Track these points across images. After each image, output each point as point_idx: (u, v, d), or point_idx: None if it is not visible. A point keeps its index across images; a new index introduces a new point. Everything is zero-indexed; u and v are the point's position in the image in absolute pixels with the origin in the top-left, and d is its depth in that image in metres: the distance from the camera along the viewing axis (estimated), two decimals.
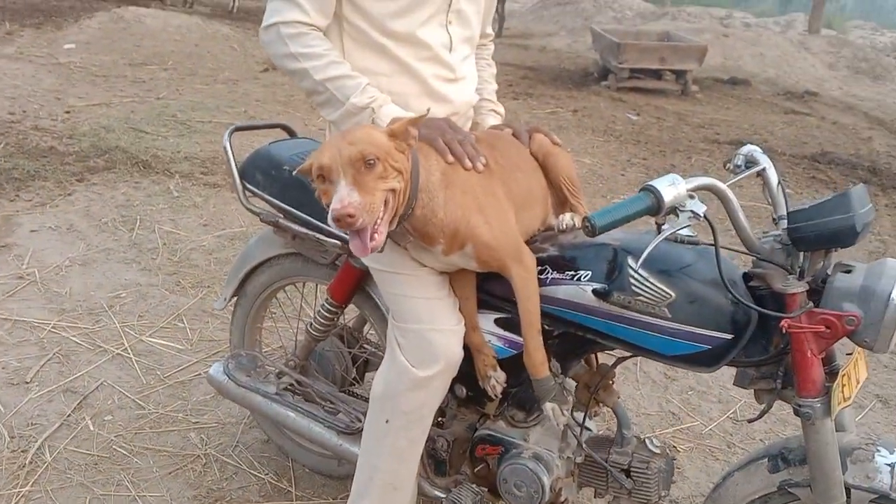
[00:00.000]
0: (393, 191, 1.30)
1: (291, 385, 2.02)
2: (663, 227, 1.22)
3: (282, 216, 1.94)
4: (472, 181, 1.46)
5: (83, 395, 2.47)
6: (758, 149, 1.50)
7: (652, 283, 1.39)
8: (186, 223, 3.89)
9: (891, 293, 1.17)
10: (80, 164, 4.55)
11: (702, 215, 1.19)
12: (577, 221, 1.56)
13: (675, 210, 1.20)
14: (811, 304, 1.27)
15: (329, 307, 1.94)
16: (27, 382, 2.50)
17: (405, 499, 1.68)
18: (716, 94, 10.13)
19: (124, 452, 2.23)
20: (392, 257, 1.55)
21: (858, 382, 1.33)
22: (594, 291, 1.45)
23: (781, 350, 1.34)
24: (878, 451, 1.30)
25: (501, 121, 1.87)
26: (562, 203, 1.66)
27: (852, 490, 1.32)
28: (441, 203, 1.41)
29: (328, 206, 1.26)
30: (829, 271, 1.30)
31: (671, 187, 1.19)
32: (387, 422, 1.61)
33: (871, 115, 10.20)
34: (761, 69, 13.05)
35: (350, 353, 2.10)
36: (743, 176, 1.39)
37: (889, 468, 1.29)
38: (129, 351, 2.74)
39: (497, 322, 1.62)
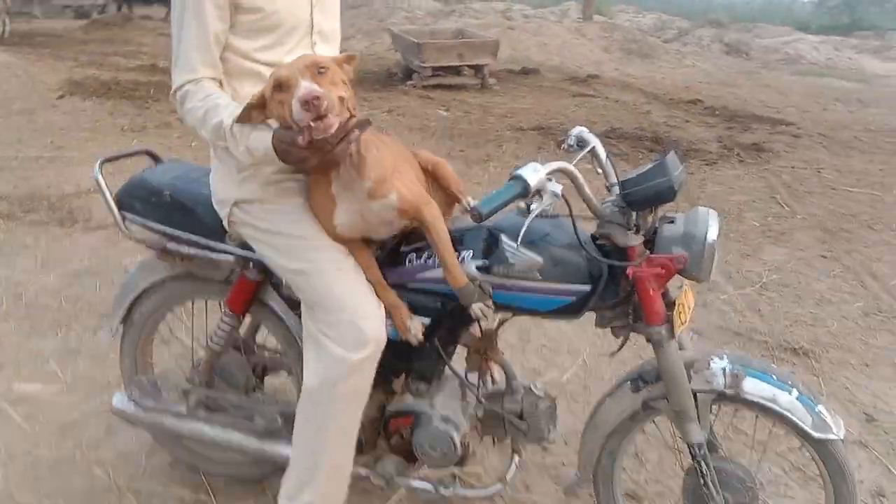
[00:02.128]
0: (342, 99, 1.52)
1: (201, 401, 2.11)
2: (531, 206, 1.53)
3: (168, 241, 2.03)
4: (393, 148, 1.76)
5: None
6: (585, 129, 1.87)
7: (524, 254, 1.69)
8: (23, 265, 3.71)
9: (706, 235, 1.57)
10: None
11: (560, 195, 1.51)
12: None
13: (538, 192, 1.51)
14: (648, 252, 1.64)
15: (227, 320, 2.06)
16: None
17: (347, 475, 1.87)
18: (511, 85, 10.92)
19: (31, 502, 2.20)
20: (311, 253, 1.74)
21: (690, 308, 1.73)
22: (478, 267, 1.74)
23: (629, 292, 1.70)
24: (712, 359, 1.70)
25: None
26: (448, 204, 1.93)
27: (698, 395, 1.70)
28: (376, 148, 1.66)
29: (284, 118, 1.51)
30: (657, 224, 1.67)
31: (534, 174, 1.50)
32: (326, 410, 1.77)
33: (646, 90, 11.51)
34: (547, 58, 14.18)
35: (250, 360, 2.23)
36: (581, 155, 1.73)
37: (722, 371, 1.69)
38: (1, 400, 2.64)
39: None
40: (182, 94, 1.70)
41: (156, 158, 2.27)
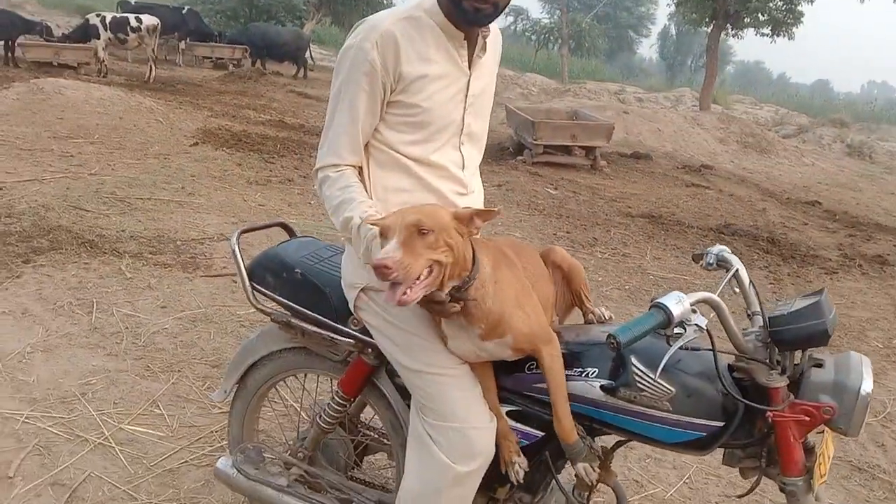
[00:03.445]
0: (439, 262, 1.47)
1: (301, 476, 2.12)
2: (671, 338, 1.47)
3: (292, 316, 2.08)
4: (513, 280, 1.68)
5: (71, 489, 2.46)
6: (726, 248, 1.81)
7: (654, 380, 1.62)
8: (144, 306, 3.90)
9: (860, 387, 1.45)
10: (24, 244, 4.47)
11: (705, 328, 1.45)
12: (608, 314, 1.81)
13: (681, 323, 1.45)
14: (791, 396, 1.53)
15: (339, 400, 2.07)
16: (10, 477, 2.47)
17: None
18: (622, 169, 10.87)
19: None
20: (430, 356, 1.71)
21: (829, 459, 1.60)
22: (602, 387, 1.67)
23: (765, 434, 1.59)
24: None
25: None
26: (568, 307, 1.89)
27: None
28: (490, 293, 1.60)
29: None
30: (803, 366, 1.57)
31: (678, 304, 1.44)
32: None
33: (762, 186, 11.19)
34: (660, 144, 14.06)
35: (353, 440, 2.22)
36: (725, 283, 1.66)
37: None
38: (111, 440, 2.74)
39: (508, 415, 1.81)
40: (323, 177, 1.76)
41: (290, 231, 2.35)
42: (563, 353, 1.74)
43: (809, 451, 1.58)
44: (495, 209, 1.58)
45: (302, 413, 2.29)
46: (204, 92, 12.78)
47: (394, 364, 1.83)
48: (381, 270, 1.39)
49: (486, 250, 1.67)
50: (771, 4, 17.75)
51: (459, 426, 1.68)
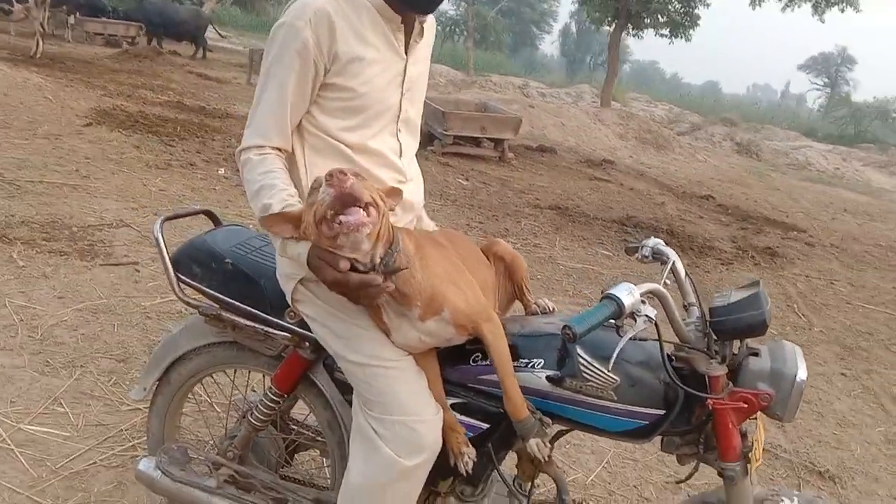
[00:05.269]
0: (376, 205, 1.45)
1: (231, 476, 2.02)
2: (621, 328, 1.49)
3: (222, 308, 1.98)
4: (441, 258, 1.66)
5: None
6: (661, 241, 1.87)
7: (600, 370, 1.64)
8: (39, 296, 3.62)
9: (796, 375, 1.52)
10: None
11: (654, 319, 1.47)
12: (551, 306, 1.80)
13: (632, 314, 1.47)
14: (730, 384, 1.59)
15: (273, 397, 1.99)
16: None
17: None
18: (529, 161, 11.08)
19: None
20: (374, 348, 1.66)
21: (762, 444, 1.67)
22: (548, 378, 1.68)
23: (703, 421, 1.65)
24: (782, 500, 1.64)
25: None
26: (510, 299, 1.89)
27: None
28: (417, 268, 1.57)
29: (314, 226, 1.46)
30: (740, 354, 1.63)
31: (629, 295, 1.46)
32: None
33: (660, 181, 11.69)
34: (563, 138, 14.45)
35: (285, 438, 2.14)
36: (666, 272, 1.70)
37: None
38: (9, 441, 2.53)
39: (452, 407, 1.79)
40: (245, 159, 1.68)
41: (215, 219, 2.23)
42: (508, 345, 1.74)
43: (743, 436, 1.64)
44: (398, 190, 1.63)
45: (224, 410, 2.17)
46: (96, 70, 12.02)
47: (335, 357, 1.77)
48: (336, 175, 1.39)
49: (406, 233, 1.65)
50: (670, 7, 18.55)
51: (406, 419, 1.65)
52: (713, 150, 18.11)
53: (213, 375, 2.22)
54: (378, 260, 1.50)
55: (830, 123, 30.58)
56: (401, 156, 1.83)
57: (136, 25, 18.21)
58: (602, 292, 1.49)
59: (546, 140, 13.43)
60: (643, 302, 1.48)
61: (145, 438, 2.26)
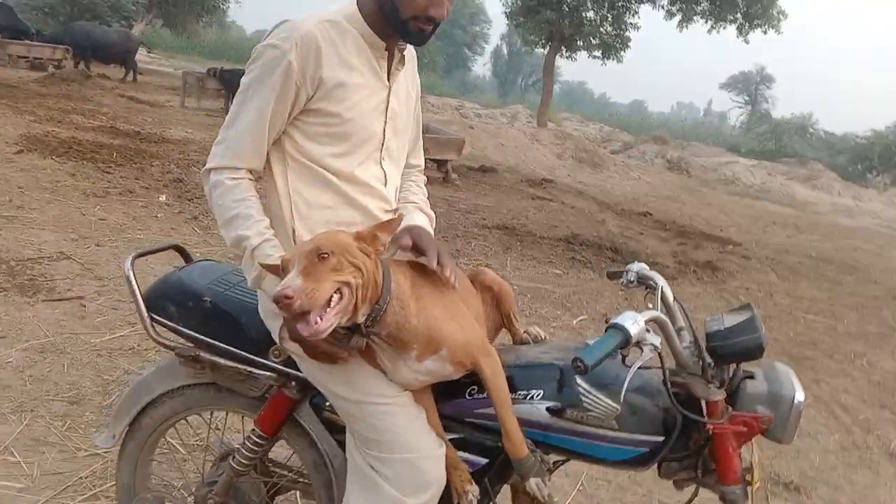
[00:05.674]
0: (348, 284, 1.41)
1: None
2: (627, 358, 1.49)
3: (198, 349, 1.89)
4: (437, 293, 1.62)
5: None
6: (645, 266, 1.88)
7: (601, 399, 1.63)
8: None
9: (794, 397, 1.55)
10: None
11: (659, 347, 1.48)
12: (543, 334, 1.79)
13: (638, 343, 1.47)
14: (729, 408, 1.61)
15: (257, 439, 1.90)
16: None
17: None
18: (472, 182, 11.17)
19: None
20: (369, 384, 1.61)
21: (760, 466, 1.69)
22: (548, 409, 1.66)
23: (700, 446, 1.66)
24: None
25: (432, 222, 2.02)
26: (497, 328, 1.87)
27: None
28: (413, 312, 1.54)
29: None
30: (737, 378, 1.64)
31: (634, 324, 1.46)
32: None
33: (599, 199, 11.94)
34: (503, 158, 14.63)
35: (265, 481, 2.06)
36: (658, 300, 1.71)
37: None
38: None
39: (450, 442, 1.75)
40: (216, 180, 1.64)
41: (185, 255, 2.14)
42: (505, 377, 1.72)
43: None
44: (395, 216, 1.57)
45: (196, 454, 2.07)
46: (22, 94, 11.52)
47: (328, 396, 1.71)
48: (282, 301, 1.32)
49: (401, 268, 1.61)
50: (602, 30, 19.09)
51: (410, 457, 1.60)
52: (646, 167, 18.63)
53: (187, 418, 2.12)
54: (361, 320, 1.48)
55: (753, 139, 31.97)
56: (385, 184, 1.80)
57: (62, 48, 17.62)
58: (606, 321, 1.48)
59: (487, 160, 13.57)
60: (648, 330, 1.48)
61: (110, 486, 2.14)
